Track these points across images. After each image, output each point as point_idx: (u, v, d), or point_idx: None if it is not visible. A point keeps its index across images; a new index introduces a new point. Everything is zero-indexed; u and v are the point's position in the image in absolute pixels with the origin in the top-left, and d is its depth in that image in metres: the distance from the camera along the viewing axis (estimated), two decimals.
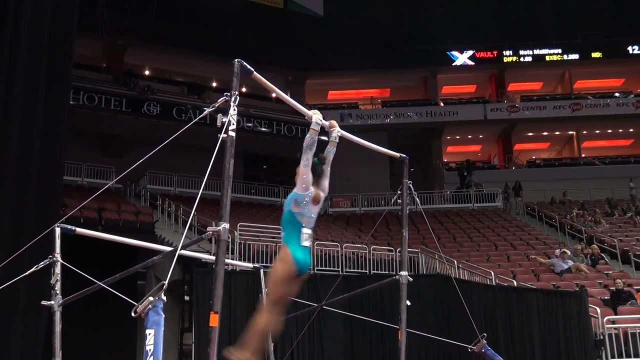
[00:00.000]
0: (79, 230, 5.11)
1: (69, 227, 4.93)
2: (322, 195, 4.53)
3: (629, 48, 31.00)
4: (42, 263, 4.67)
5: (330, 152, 4.69)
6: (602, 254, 17.17)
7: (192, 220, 15.91)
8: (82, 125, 21.43)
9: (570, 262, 15.77)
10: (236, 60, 3.65)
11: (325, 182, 4.63)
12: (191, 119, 22.90)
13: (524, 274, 15.67)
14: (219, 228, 3.29)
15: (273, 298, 4.35)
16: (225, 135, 3.40)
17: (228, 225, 3.32)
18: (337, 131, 4.77)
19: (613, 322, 11.95)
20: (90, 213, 16.48)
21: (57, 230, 4.78)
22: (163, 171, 22.55)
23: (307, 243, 4.36)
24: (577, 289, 13.27)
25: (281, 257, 4.34)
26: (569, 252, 16.23)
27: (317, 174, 4.50)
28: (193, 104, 25.00)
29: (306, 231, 4.36)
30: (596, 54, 31.41)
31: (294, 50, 29.74)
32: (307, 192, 4.40)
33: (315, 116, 4.46)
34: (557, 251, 16.44)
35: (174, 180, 23.18)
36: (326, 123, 4.68)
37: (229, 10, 29.54)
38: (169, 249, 6.05)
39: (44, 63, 10.80)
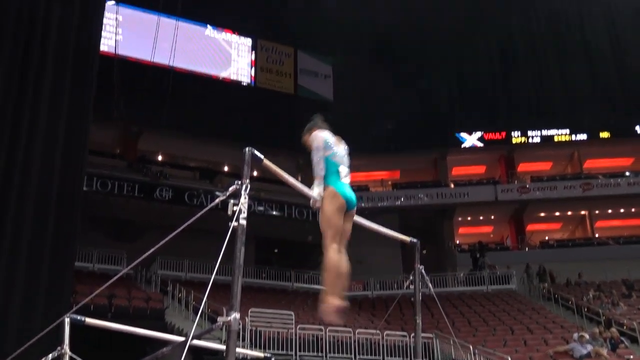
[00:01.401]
0: (89, 320, 5.05)
1: (78, 317, 4.88)
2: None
3: (637, 127, 31.24)
4: (50, 355, 4.60)
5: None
6: (622, 338, 16.74)
7: (203, 307, 15.71)
8: (95, 210, 21.59)
9: (590, 347, 15.36)
10: (247, 148, 3.68)
11: None
12: (202, 203, 23.06)
13: (542, 359, 15.26)
14: (229, 318, 3.24)
15: (331, 235, 4.35)
16: (237, 224, 3.40)
17: (239, 315, 3.27)
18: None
19: None
20: (101, 300, 16.37)
21: (67, 321, 4.73)
22: (174, 256, 22.51)
23: (346, 180, 4.54)
24: None
25: (326, 195, 4.41)
26: (587, 336, 15.83)
27: None
28: (205, 189, 25.22)
29: (343, 169, 4.56)
30: (604, 134, 31.67)
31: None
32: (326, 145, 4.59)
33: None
34: (576, 335, 16.05)
35: (185, 265, 23.12)
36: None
37: (241, 96, 30.27)
38: (180, 338, 5.96)
39: (59, 153, 10.99)
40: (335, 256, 4.35)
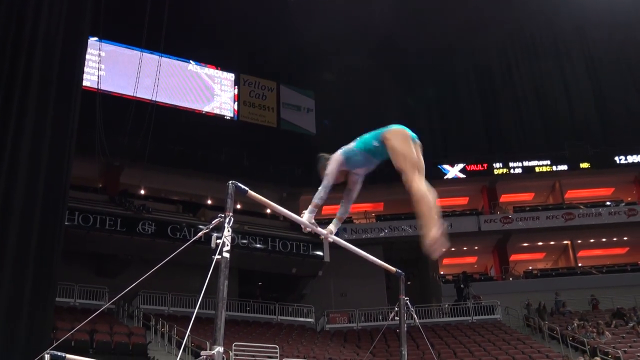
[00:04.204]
0: (69, 356, 4.98)
1: (59, 354, 4.82)
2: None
3: (616, 158, 31.59)
4: None
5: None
6: None
7: (186, 341, 15.55)
8: (76, 245, 21.36)
9: None
10: (230, 182, 3.70)
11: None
12: (186, 237, 22.92)
13: None
14: (213, 352, 3.22)
15: (410, 167, 4.44)
16: (220, 257, 3.40)
17: (222, 348, 3.26)
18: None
19: None
20: (82, 335, 16.12)
21: (47, 358, 4.67)
22: (157, 290, 22.28)
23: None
24: None
25: (390, 135, 4.69)
26: None
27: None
28: (188, 222, 25.08)
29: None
30: (584, 165, 31.96)
31: (287, 167, 30.23)
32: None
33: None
34: None
35: (168, 300, 22.88)
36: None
37: (224, 130, 30.35)
38: None
39: (41, 188, 10.95)
40: (423, 186, 4.34)
